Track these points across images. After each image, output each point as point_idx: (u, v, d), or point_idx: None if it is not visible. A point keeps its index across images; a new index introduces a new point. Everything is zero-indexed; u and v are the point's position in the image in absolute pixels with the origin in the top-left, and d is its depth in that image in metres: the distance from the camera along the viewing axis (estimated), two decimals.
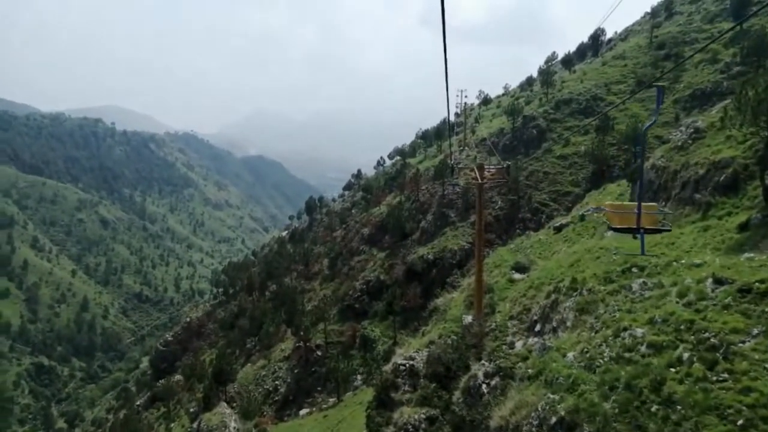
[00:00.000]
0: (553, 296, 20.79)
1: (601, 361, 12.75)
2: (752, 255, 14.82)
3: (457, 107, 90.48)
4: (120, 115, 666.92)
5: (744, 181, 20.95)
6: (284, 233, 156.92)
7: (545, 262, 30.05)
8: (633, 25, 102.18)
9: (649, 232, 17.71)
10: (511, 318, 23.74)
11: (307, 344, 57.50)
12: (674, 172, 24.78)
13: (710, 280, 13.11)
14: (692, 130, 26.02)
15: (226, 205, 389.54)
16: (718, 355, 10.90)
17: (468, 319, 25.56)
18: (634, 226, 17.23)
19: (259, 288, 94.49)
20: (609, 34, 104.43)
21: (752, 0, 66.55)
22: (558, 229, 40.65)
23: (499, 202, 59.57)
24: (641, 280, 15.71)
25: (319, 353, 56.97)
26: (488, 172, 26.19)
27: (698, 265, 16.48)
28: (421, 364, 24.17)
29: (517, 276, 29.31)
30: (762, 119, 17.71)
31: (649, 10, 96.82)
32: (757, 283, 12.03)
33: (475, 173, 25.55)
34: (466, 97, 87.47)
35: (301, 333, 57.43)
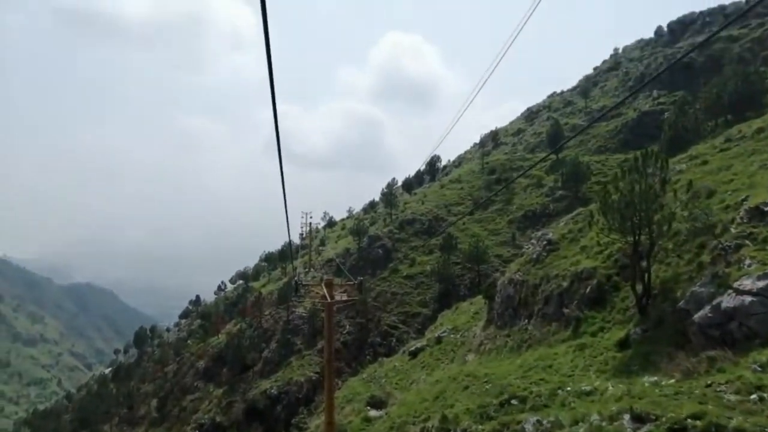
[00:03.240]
0: None
1: None
2: (655, 378, 12.43)
3: (302, 228, 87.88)
4: None
5: (609, 293, 19.60)
6: (107, 370, 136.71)
7: (405, 395, 26.33)
8: (465, 153, 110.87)
9: None
10: None
11: None
12: (534, 286, 23.20)
13: (627, 416, 10.22)
14: (545, 242, 25.13)
15: (41, 339, 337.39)
16: None
17: None
18: None
19: None
20: (444, 162, 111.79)
21: (563, 134, 74.85)
22: (413, 354, 37.49)
23: (348, 326, 55.83)
24: (534, 418, 12.54)
25: None
26: (338, 293, 22.80)
27: (588, 393, 13.86)
28: None
29: (373, 413, 25.07)
30: (627, 224, 16.48)
31: (477, 140, 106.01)
32: (689, 420, 9.30)
33: (324, 292, 22.06)
34: (311, 218, 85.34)
35: None
